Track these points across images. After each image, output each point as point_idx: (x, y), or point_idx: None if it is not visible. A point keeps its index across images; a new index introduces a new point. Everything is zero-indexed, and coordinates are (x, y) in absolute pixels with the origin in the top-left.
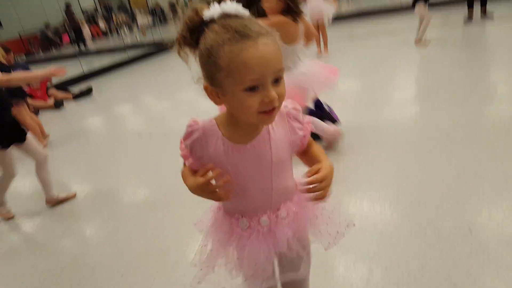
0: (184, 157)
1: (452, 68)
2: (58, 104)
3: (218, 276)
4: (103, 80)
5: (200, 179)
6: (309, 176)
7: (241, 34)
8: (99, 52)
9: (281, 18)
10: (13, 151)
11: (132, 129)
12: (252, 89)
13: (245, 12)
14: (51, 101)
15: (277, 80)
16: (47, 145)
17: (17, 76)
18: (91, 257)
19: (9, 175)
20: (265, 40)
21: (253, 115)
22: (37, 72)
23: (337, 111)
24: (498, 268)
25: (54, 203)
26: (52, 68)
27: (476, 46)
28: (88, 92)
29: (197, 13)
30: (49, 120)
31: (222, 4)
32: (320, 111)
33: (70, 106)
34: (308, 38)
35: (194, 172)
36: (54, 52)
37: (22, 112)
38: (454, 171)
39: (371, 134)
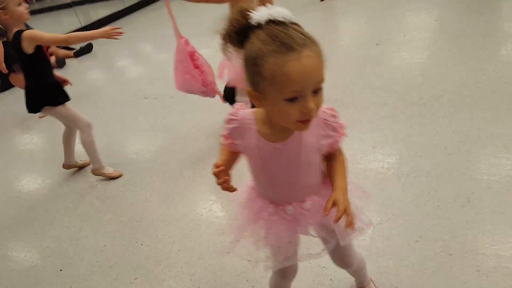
0: (224, 137)
1: (463, 15)
2: (60, 63)
3: (244, 249)
4: None
5: (213, 170)
6: (326, 214)
7: (287, 47)
8: (93, 0)
9: None
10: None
11: (138, 89)
12: (292, 99)
13: (291, 17)
14: (52, 60)
15: (316, 91)
16: None
17: (73, 36)
18: (110, 226)
19: (86, 125)
20: (309, 53)
21: (291, 122)
22: (94, 31)
23: (340, 67)
24: (492, 239)
25: (71, 167)
26: (109, 27)
27: None
28: (88, 48)
29: (244, 15)
30: None
31: (270, 8)
32: None
33: (72, 64)
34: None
35: (229, 152)
36: (48, 1)
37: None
38: (456, 136)
39: (376, 94)
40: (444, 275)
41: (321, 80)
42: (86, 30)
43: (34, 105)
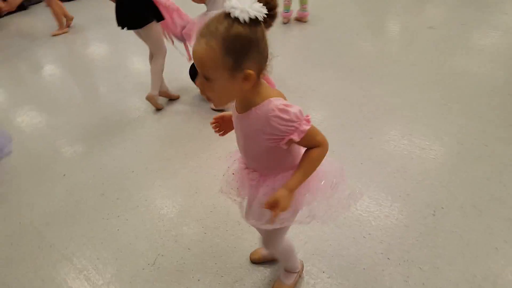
0: None
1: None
2: None
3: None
4: None
5: (212, 120)
6: (265, 207)
7: (201, 30)
8: None
9: None
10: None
11: None
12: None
13: (241, 15)
14: None
15: (206, 78)
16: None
17: None
18: (131, 166)
19: (165, 52)
20: (202, 42)
21: None
22: None
23: None
24: (437, 256)
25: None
26: None
27: None
28: None
29: None
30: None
31: (244, 1)
32: None
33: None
34: None
35: None
36: None
37: None
38: (459, 147)
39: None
40: (372, 275)
41: (204, 71)
42: None
43: (139, 19)
